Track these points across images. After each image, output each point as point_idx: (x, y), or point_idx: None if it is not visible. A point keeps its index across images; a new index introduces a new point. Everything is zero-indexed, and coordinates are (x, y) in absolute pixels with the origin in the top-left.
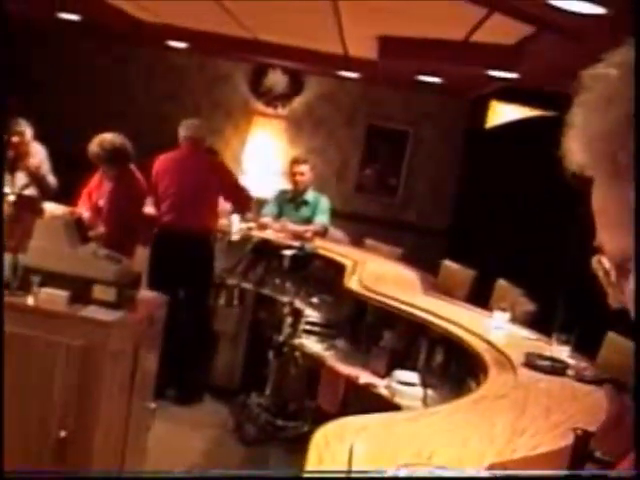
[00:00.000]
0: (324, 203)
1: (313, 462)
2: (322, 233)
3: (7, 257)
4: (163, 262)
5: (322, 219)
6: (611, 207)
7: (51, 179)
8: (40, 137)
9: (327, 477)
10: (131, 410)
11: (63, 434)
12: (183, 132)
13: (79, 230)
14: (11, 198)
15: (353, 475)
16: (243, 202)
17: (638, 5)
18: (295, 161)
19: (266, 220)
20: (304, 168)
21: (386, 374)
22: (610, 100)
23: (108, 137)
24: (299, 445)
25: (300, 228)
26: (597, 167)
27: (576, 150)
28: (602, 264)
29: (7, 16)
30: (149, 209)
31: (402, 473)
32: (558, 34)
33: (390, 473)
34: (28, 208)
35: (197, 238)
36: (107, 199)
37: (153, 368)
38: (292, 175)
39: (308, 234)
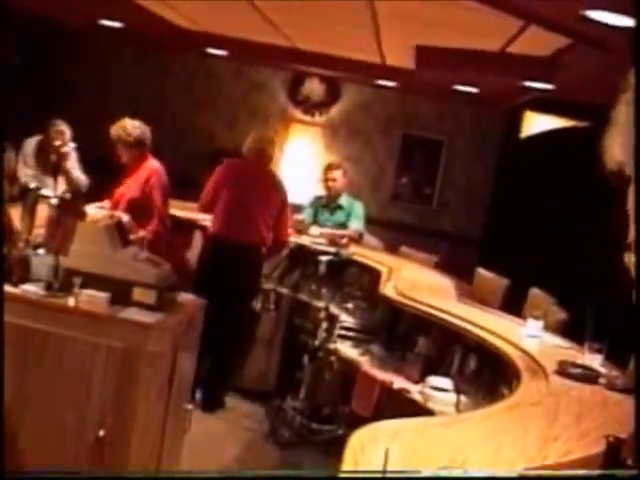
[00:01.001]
0: (359, 208)
1: (349, 466)
2: (358, 238)
3: (49, 259)
4: (210, 272)
5: (357, 225)
6: None
7: (82, 179)
8: (75, 141)
9: (362, 477)
10: (168, 412)
11: (101, 434)
12: (254, 144)
13: (120, 233)
14: (54, 201)
15: (389, 475)
16: (282, 241)
17: (638, 6)
18: (328, 167)
19: (301, 226)
20: (337, 174)
21: (420, 380)
22: None
23: (131, 122)
24: (333, 449)
25: (337, 233)
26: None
27: (618, 147)
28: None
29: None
30: (201, 216)
31: (440, 474)
32: (592, 46)
33: (427, 474)
34: (70, 211)
35: (250, 255)
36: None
37: (190, 371)
38: (325, 181)
39: (344, 240)
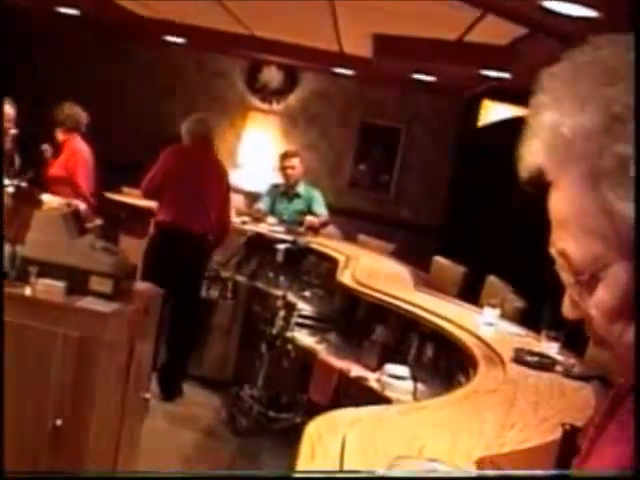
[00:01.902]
0: (318, 196)
1: (306, 455)
2: (327, 224)
3: (6, 248)
4: (158, 259)
5: (322, 211)
6: (585, 211)
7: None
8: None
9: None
10: (126, 400)
11: (59, 423)
12: (193, 127)
13: (76, 222)
14: (10, 190)
15: (343, 475)
16: (227, 227)
17: (638, 5)
18: (285, 155)
19: (259, 214)
20: (294, 162)
21: (377, 368)
22: (585, 100)
23: (69, 105)
24: (291, 437)
25: (315, 220)
26: (567, 169)
27: (538, 152)
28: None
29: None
30: (146, 202)
31: (395, 473)
32: (550, 36)
33: (381, 472)
34: (26, 199)
35: (199, 243)
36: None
37: (148, 359)
38: (283, 169)
39: (317, 225)
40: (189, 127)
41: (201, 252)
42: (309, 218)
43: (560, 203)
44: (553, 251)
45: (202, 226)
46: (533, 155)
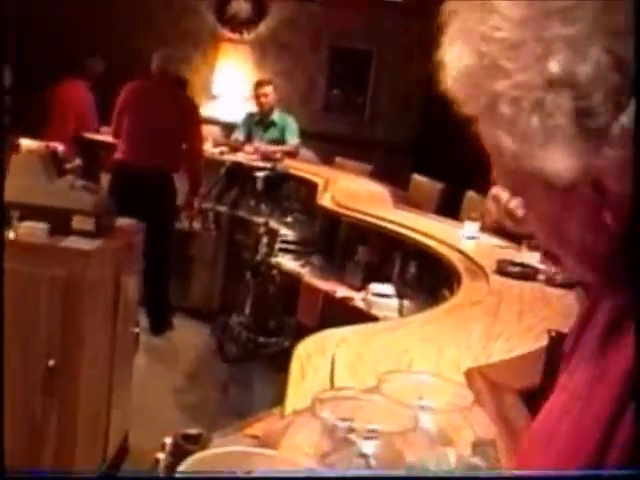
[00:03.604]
0: (292, 123)
1: (296, 375)
2: (294, 153)
3: None
4: (119, 197)
5: (293, 139)
6: (489, 149)
7: None
8: None
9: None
10: (116, 336)
11: (51, 363)
12: (155, 63)
13: (55, 163)
14: None
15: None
16: (196, 170)
17: (638, 5)
18: (259, 83)
19: (236, 143)
20: (268, 89)
21: (362, 287)
22: (466, 32)
23: None
24: (281, 361)
25: (272, 149)
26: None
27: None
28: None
29: None
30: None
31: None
32: None
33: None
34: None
35: (157, 179)
36: None
37: (135, 294)
38: (257, 97)
39: (278, 155)
40: (153, 63)
41: (158, 188)
42: (270, 148)
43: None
44: None
45: (156, 162)
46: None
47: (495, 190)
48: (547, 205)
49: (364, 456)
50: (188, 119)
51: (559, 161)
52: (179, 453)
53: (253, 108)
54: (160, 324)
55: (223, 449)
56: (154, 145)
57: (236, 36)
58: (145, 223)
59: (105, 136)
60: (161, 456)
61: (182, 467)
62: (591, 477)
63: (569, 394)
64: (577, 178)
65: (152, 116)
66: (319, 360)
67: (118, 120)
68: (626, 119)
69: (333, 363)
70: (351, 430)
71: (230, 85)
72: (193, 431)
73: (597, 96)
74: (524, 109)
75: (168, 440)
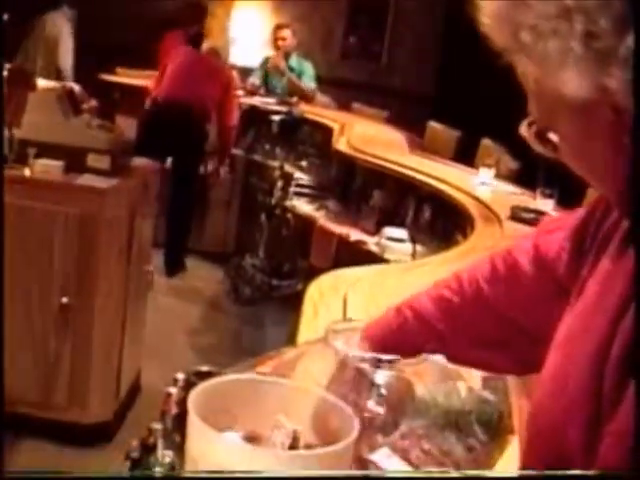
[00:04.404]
0: (309, 68)
1: (308, 313)
2: (311, 97)
3: (4, 131)
4: (152, 133)
5: (310, 83)
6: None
7: None
8: None
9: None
10: (130, 275)
11: (65, 300)
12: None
13: (71, 102)
14: (4, 74)
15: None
16: (226, 140)
17: (638, 5)
18: (278, 27)
19: (253, 87)
20: (286, 33)
21: (375, 232)
22: None
23: None
24: (294, 303)
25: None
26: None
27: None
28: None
29: None
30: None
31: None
32: None
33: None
34: (21, 82)
35: (193, 116)
36: None
37: (149, 234)
38: (275, 41)
39: (294, 99)
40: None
41: (191, 127)
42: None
43: None
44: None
45: (195, 99)
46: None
47: (529, 118)
48: (573, 128)
49: (375, 386)
50: (227, 90)
51: (573, 81)
52: (191, 388)
53: (270, 52)
54: (174, 266)
55: (234, 376)
56: (194, 86)
57: None
58: (172, 164)
59: (122, 78)
60: (172, 390)
61: (193, 394)
62: (592, 477)
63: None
64: (592, 97)
65: (196, 67)
66: (331, 299)
67: (162, 66)
68: (631, 42)
69: (345, 302)
70: (363, 360)
71: (248, 29)
72: (205, 368)
73: (603, 21)
74: (542, 36)
75: (180, 375)
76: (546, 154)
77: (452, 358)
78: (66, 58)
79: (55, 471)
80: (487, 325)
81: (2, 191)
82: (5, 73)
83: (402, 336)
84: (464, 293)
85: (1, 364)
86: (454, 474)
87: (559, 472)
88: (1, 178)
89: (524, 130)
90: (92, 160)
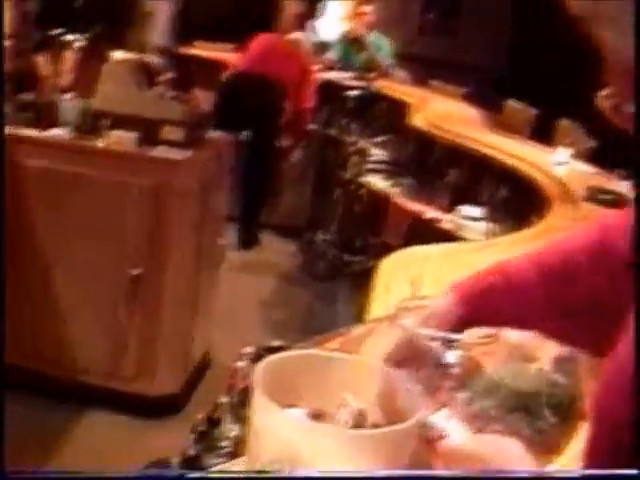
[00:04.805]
0: (386, 44)
1: (380, 289)
2: (388, 72)
3: (77, 102)
4: (230, 106)
5: (386, 58)
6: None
7: None
8: None
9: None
10: (202, 247)
11: (136, 272)
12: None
13: (146, 74)
14: (78, 45)
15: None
16: (301, 125)
17: (638, 5)
18: (359, 2)
19: (330, 62)
20: (367, 8)
21: (450, 210)
22: None
23: None
24: (366, 279)
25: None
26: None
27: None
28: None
29: None
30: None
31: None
32: None
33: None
34: (95, 54)
35: (272, 90)
36: None
37: (222, 206)
38: (355, 16)
39: (372, 74)
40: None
41: (275, 100)
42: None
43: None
44: None
45: (276, 74)
46: None
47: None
48: None
49: (444, 365)
50: (304, 74)
51: None
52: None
53: (348, 27)
54: (248, 239)
55: (299, 351)
56: (272, 66)
57: None
58: (248, 137)
59: (199, 50)
60: (240, 364)
61: (258, 368)
62: (593, 477)
63: None
64: None
65: (277, 47)
66: (403, 276)
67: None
68: None
69: (416, 280)
70: (432, 339)
71: (327, 4)
72: (275, 343)
73: None
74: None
75: (248, 349)
76: (623, 127)
77: (534, 327)
78: (159, 33)
79: (57, 471)
80: (579, 296)
81: (2, 184)
82: (80, 44)
83: (490, 295)
84: (566, 262)
85: (1, 358)
86: (459, 474)
87: (565, 472)
88: (2, 165)
89: (601, 101)
90: (166, 132)
